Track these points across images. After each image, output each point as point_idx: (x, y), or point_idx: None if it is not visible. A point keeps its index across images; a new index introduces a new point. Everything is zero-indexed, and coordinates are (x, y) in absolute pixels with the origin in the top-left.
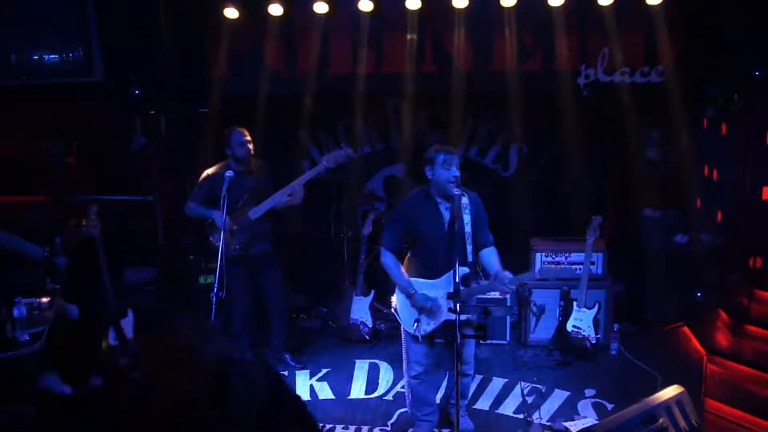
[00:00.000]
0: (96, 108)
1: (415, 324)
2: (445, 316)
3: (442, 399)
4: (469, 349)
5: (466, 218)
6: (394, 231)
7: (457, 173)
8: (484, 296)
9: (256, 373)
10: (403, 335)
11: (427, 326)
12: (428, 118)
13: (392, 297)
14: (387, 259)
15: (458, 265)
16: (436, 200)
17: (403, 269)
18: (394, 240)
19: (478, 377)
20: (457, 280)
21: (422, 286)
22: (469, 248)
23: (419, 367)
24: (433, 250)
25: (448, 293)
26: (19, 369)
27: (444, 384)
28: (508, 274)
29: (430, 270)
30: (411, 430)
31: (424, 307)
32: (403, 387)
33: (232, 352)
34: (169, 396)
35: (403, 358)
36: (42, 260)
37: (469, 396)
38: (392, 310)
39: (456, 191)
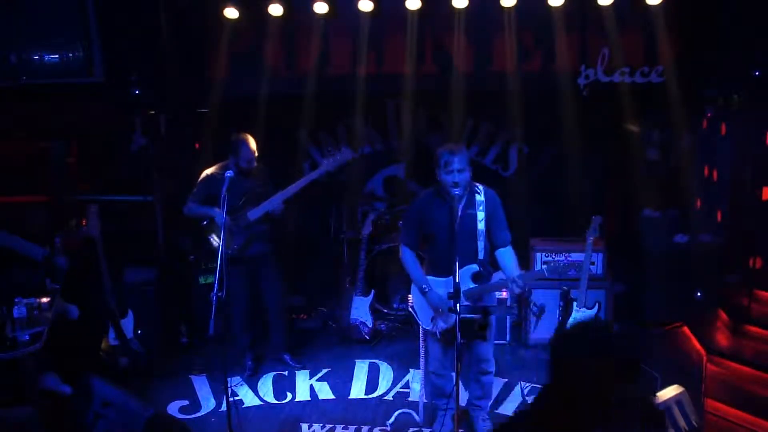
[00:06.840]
0: (96, 108)
1: (432, 321)
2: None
3: (467, 402)
4: (487, 346)
5: (480, 215)
6: (408, 228)
7: (458, 177)
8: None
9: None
10: (421, 331)
11: (443, 324)
12: (428, 119)
13: (409, 295)
14: (405, 255)
15: (458, 265)
16: (446, 199)
17: (419, 266)
18: (409, 237)
19: None
20: (457, 281)
21: (436, 283)
22: (481, 245)
23: (437, 362)
24: (443, 248)
25: (449, 293)
26: (19, 369)
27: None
28: (517, 271)
29: (442, 268)
30: (436, 423)
31: (437, 307)
32: (403, 387)
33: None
34: None
35: (421, 353)
36: (42, 260)
37: (494, 396)
38: (409, 307)
39: (456, 192)
